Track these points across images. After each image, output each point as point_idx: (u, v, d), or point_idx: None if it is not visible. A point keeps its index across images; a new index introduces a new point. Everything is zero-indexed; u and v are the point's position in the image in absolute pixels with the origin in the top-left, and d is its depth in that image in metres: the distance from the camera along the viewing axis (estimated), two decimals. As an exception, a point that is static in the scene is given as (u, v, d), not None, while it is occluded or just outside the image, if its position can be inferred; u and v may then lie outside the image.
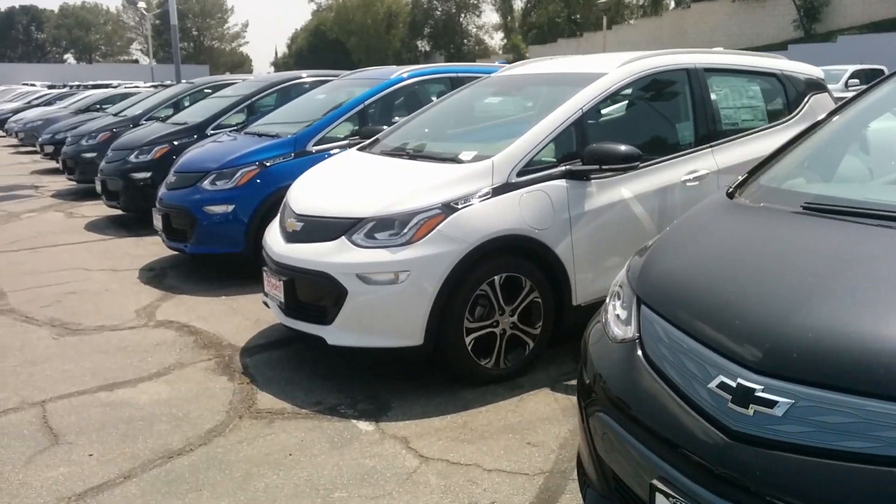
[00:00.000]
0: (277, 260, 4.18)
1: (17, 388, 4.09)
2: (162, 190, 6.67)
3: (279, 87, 9.31)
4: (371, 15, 61.24)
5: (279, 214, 4.66)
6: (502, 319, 3.95)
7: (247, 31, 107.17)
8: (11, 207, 10.38)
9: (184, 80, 14.94)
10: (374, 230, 3.85)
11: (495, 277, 3.88)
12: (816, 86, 5.26)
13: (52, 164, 14.69)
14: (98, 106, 17.76)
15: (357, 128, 6.48)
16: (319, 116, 6.67)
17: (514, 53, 46.87)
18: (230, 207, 6.02)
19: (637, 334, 2.23)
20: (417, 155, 4.48)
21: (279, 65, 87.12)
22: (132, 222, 8.92)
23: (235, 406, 3.84)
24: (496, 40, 64.26)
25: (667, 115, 4.73)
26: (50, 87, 37.54)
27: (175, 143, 8.51)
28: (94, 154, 10.90)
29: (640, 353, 2.16)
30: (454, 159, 4.16)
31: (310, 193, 4.43)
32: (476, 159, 4.05)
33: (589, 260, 4.14)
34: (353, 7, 62.28)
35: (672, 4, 49.29)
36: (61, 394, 4.02)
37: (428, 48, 64.72)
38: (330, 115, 6.47)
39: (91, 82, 36.22)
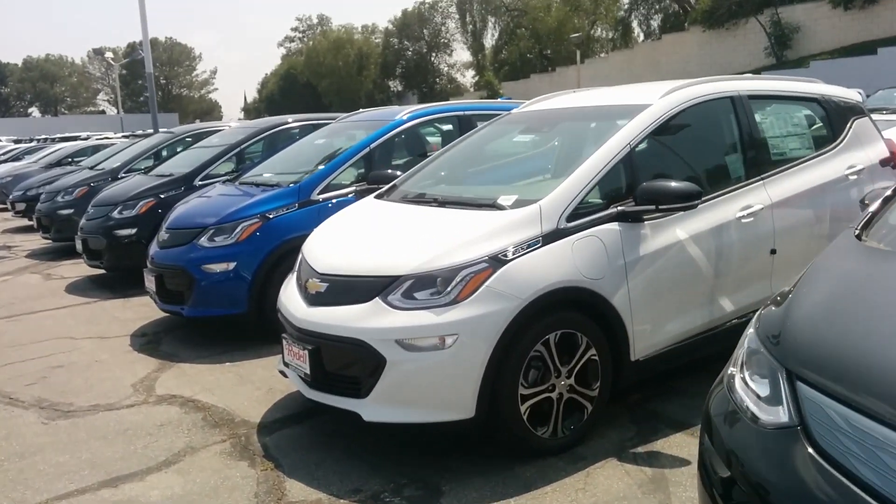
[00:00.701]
0: (300, 326, 3.72)
1: (6, 490, 3.56)
2: (153, 249, 6.18)
3: (267, 133, 8.90)
4: (342, 57, 61.30)
5: (295, 273, 4.21)
6: (558, 382, 3.51)
7: (215, 78, 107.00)
8: (-16, 271, 9.77)
9: (162, 130, 14.50)
10: (414, 289, 3.41)
11: (550, 336, 3.46)
12: (856, 110, 4.97)
13: (25, 222, 14.09)
14: (70, 159, 17.25)
15: (363, 173, 6.07)
16: (321, 162, 6.26)
17: (488, 90, 47.05)
18: (231, 265, 5.54)
19: (797, 421, 1.81)
20: (448, 202, 4.06)
21: (250, 110, 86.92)
22: (116, 282, 8.38)
23: (262, 499, 3.34)
24: (468, 78, 64.75)
25: (716, 147, 4.39)
26: (16, 141, 36.85)
27: (161, 196, 8.03)
28: (71, 210, 10.38)
29: (810, 449, 1.73)
30: (493, 205, 3.75)
31: (332, 249, 3.99)
32: (519, 204, 3.65)
33: (646, 310, 3.74)
34: (324, 50, 62.35)
35: (641, 37, 50.04)
36: (58, 494, 3.49)
37: (400, 88, 64.92)
38: (334, 161, 6.06)
39: (59, 135, 35.67)
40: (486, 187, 4.55)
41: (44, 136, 36.86)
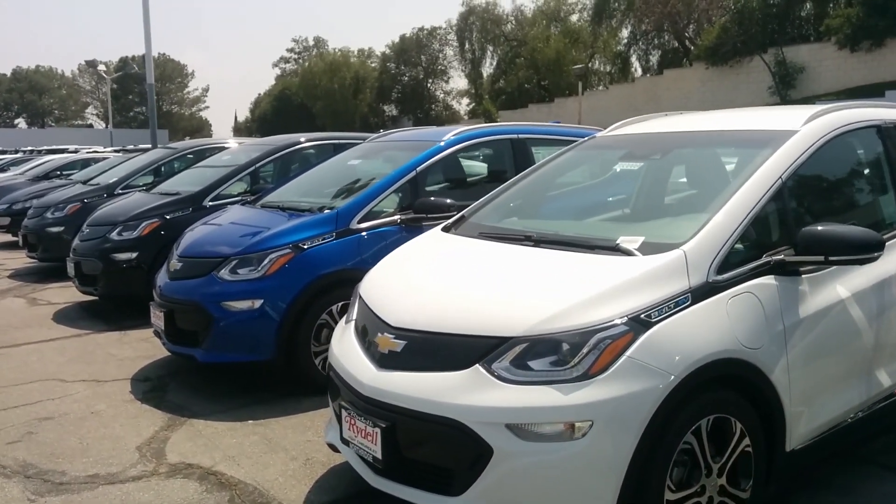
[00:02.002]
0: (369, 395, 2.91)
1: None
2: (162, 279, 5.35)
3: (284, 152, 8.13)
4: (338, 80, 60.67)
5: (352, 322, 3.41)
6: (709, 483, 2.73)
7: (207, 96, 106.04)
8: (-38, 292, 8.86)
9: (161, 145, 13.70)
10: (528, 356, 2.63)
11: (702, 422, 2.68)
12: None
13: (8, 238, 13.18)
14: (58, 172, 16.43)
15: (405, 199, 5.30)
16: (359, 186, 5.50)
17: (485, 118, 46.57)
18: (257, 302, 4.72)
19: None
20: (548, 241, 3.29)
21: (241, 129, 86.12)
22: (111, 312, 7.51)
23: None
24: (463, 105, 64.43)
25: (866, 185, 3.67)
26: (2, 152, 35.84)
27: (167, 216, 7.21)
28: (61, 228, 9.54)
29: None
30: (614, 248, 2.98)
31: (405, 296, 3.20)
32: (652, 249, 2.88)
33: (805, 388, 2.97)
34: (320, 72, 61.73)
35: (639, 71, 49.94)
36: None
37: (395, 113, 64.41)
38: (375, 186, 5.28)
39: (46, 147, 34.67)
40: (588, 223, 3.80)
41: (30, 148, 35.82)
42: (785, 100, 31.04)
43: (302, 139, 8.41)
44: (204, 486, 3.62)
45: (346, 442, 3.13)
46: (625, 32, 49.86)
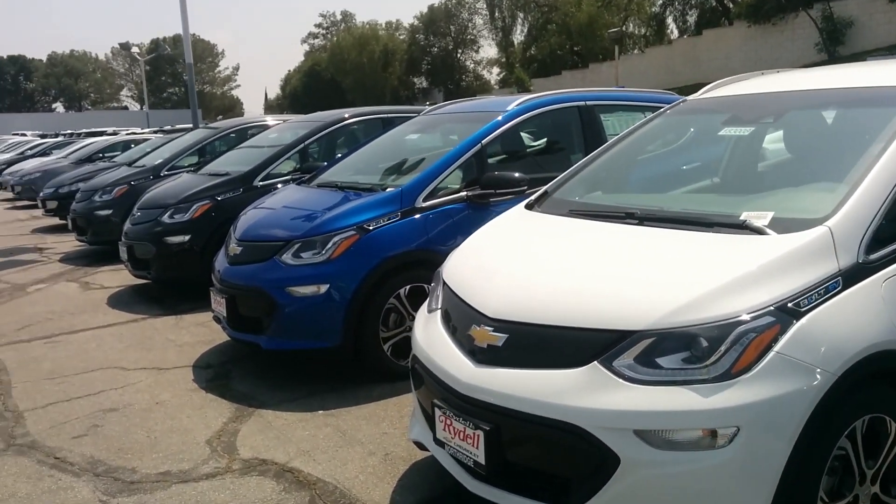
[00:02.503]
0: (467, 394, 2.64)
1: None
2: (221, 264, 5.13)
3: (329, 129, 7.84)
4: (367, 54, 60.11)
5: (438, 310, 3.14)
6: (862, 491, 2.42)
7: (237, 75, 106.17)
8: (15, 278, 8.79)
9: (203, 124, 13.53)
10: (656, 352, 2.33)
11: (857, 423, 2.37)
12: None
13: (56, 221, 13.17)
14: (101, 155, 16.40)
15: (470, 175, 5.00)
16: (420, 162, 5.20)
17: (518, 87, 45.75)
18: (322, 287, 4.47)
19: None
20: (654, 219, 2.96)
21: (272, 107, 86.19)
22: (165, 294, 7.36)
23: None
24: (493, 75, 63.50)
25: None
26: (42, 136, 36.18)
27: (218, 198, 7.01)
28: (109, 211, 9.44)
29: None
30: (739, 225, 2.65)
31: (499, 282, 2.89)
32: (788, 227, 2.54)
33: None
34: (348, 46, 61.21)
35: (675, 33, 48.60)
36: None
37: (425, 85, 63.76)
38: (441, 161, 4.97)
39: (84, 130, 34.90)
40: (698, 197, 3.45)
41: (69, 131, 36.09)
42: (833, 57, 29.83)
43: (346, 115, 8.11)
44: (281, 485, 3.41)
45: (440, 443, 2.87)
46: (660, -8, 48.54)
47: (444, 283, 3.21)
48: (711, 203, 3.28)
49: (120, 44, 45.73)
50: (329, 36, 74.55)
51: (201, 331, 6.08)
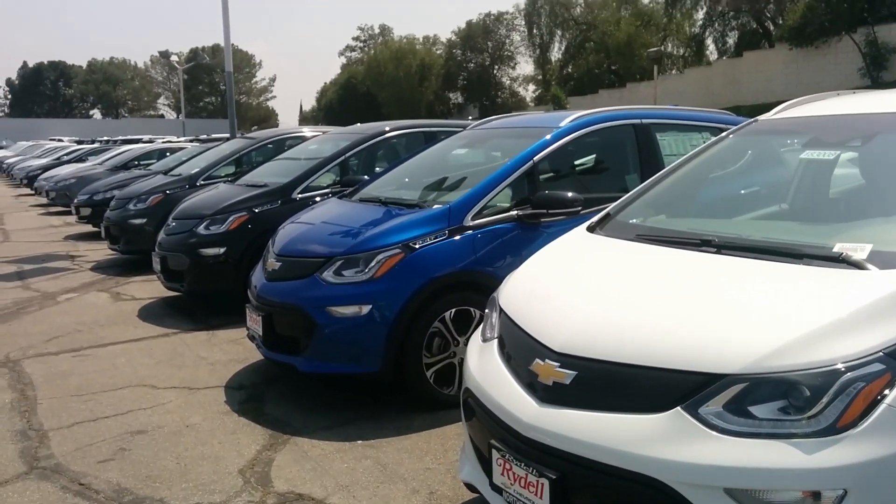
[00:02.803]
0: (531, 437, 2.36)
1: None
2: (259, 279, 4.92)
3: (371, 142, 7.64)
4: (403, 67, 60.27)
5: (494, 339, 2.87)
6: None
7: (273, 86, 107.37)
8: (45, 286, 8.69)
9: (239, 134, 13.46)
10: (748, 399, 2.07)
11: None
12: None
13: (89, 228, 13.14)
14: (136, 162, 16.42)
15: (520, 193, 4.74)
16: (471, 178, 4.96)
17: (554, 104, 45.44)
18: (365, 308, 4.23)
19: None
20: (734, 247, 2.68)
21: (307, 118, 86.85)
22: (197, 308, 7.19)
23: None
24: (529, 92, 63.30)
25: None
26: (78, 142, 36.74)
27: (256, 210, 6.84)
28: (143, 220, 9.33)
29: None
30: (834, 258, 2.36)
31: (568, 313, 2.60)
32: (892, 262, 2.25)
33: None
34: (385, 60, 61.46)
35: (715, 54, 48.01)
36: None
37: (461, 100, 63.77)
38: (491, 178, 4.72)
39: (121, 137, 35.34)
40: (775, 225, 3.16)
41: (106, 138, 36.58)
42: (877, 82, 29.16)
43: (387, 128, 7.91)
44: (320, 526, 3.16)
45: (496, 489, 2.60)
46: (700, 14, 47.98)
47: (502, 310, 2.95)
48: (792, 231, 2.98)
49: (160, 52, 46.51)
50: (366, 49, 74.98)
51: (234, 348, 5.88)
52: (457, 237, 4.46)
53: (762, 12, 41.69)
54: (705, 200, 3.64)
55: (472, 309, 4.43)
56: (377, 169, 7.89)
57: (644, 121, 5.32)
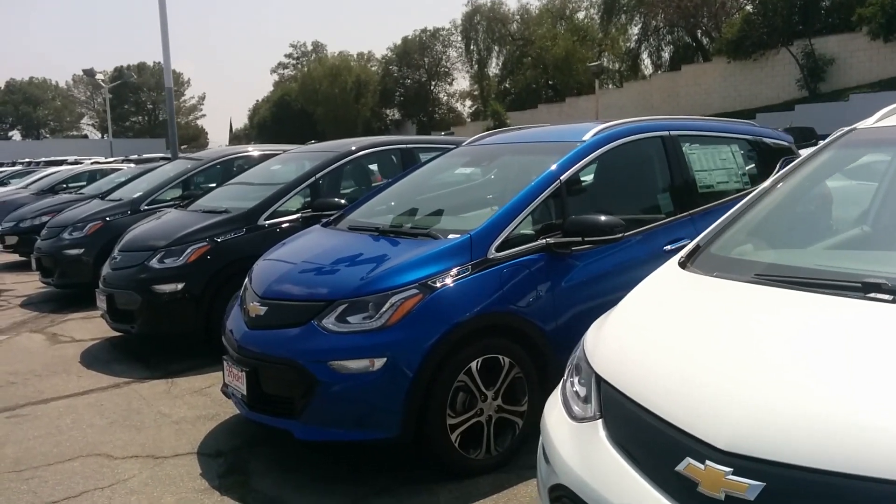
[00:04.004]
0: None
1: None
2: (238, 327, 4.10)
3: (341, 162, 6.88)
4: (338, 84, 59.21)
5: (600, 425, 2.20)
6: None
7: (203, 104, 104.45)
8: (-32, 327, 7.61)
9: (182, 155, 12.49)
10: None
11: None
12: None
13: (15, 258, 11.96)
14: (64, 185, 15.26)
15: (547, 217, 4.10)
16: (487, 202, 4.30)
17: (494, 119, 45.20)
18: (378, 362, 3.49)
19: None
20: (876, 289, 2.08)
21: (239, 137, 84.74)
22: (150, 351, 6.28)
23: None
24: (466, 108, 63.15)
25: None
26: (-1, 165, 34.61)
27: (217, 239, 6.00)
28: (80, 250, 8.37)
29: None
30: None
31: (721, 394, 1.93)
32: None
33: None
34: (320, 77, 60.29)
35: (650, 68, 48.79)
36: None
37: (398, 116, 63.10)
38: (515, 201, 4.04)
39: (44, 158, 33.40)
40: None
41: (28, 160, 34.57)
42: (815, 93, 29.91)
43: (353, 147, 7.15)
44: None
45: None
46: (635, 29, 48.81)
47: (601, 379, 2.27)
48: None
49: (84, 70, 44.08)
50: (300, 66, 73.65)
51: (200, 401, 5.04)
52: (481, 272, 3.77)
53: (697, 27, 42.57)
54: (823, 226, 3.06)
55: (500, 357, 3.75)
56: (346, 191, 7.17)
57: (672, 132, 4.76)
